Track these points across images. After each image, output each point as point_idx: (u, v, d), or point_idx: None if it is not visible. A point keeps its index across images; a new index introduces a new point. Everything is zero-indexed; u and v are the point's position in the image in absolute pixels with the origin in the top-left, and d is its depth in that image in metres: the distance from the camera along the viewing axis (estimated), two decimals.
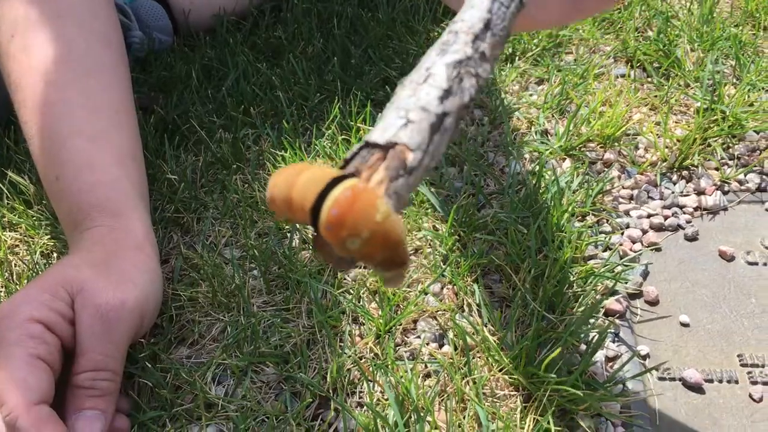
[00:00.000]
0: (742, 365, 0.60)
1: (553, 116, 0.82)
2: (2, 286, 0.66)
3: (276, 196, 0.25)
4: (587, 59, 0.89)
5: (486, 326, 0.60)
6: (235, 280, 0.63)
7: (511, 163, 0.75)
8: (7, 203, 0.72)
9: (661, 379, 0.59)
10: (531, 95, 0.85)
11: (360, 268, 0.23)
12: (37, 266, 0.66)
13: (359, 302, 0.62)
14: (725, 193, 0.75)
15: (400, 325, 0.60)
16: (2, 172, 0.74)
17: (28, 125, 0.63)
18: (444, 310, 0.61)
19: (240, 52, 0.90)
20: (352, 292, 0.63)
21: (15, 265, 0.67)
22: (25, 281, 0.66)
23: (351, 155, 0.26)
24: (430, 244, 0.67)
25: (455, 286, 0.63)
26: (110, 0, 0.70)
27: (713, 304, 0.65)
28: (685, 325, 0.63)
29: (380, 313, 0.60)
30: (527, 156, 0.77)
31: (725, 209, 0.74)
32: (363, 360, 0.57)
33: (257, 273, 0.65)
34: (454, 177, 0.74)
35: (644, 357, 0.61)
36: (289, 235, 0.68)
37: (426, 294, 0.63)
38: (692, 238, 0.71)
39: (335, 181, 0.24)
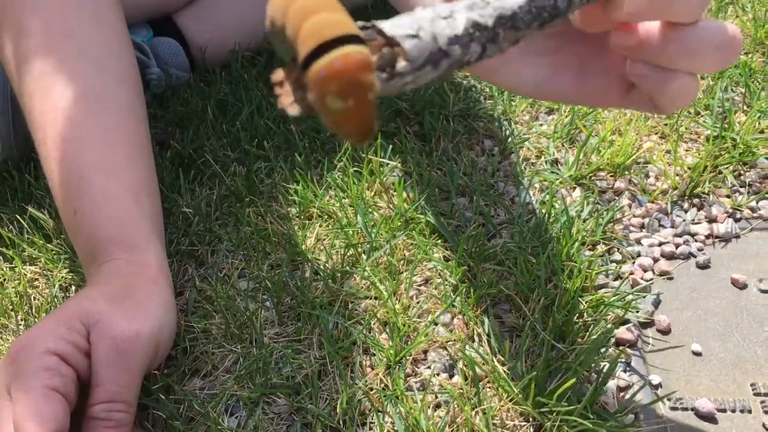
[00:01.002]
0: (755, 394, 0.59)
1: (563, 145, 0.83)
2: (22, 319, 0.67)
3: (290, 16, 0.25)
4: None
5: (496, 356, 0.60)
6: (247, 312, 0.64)
7: (521, 193, 0.75)
8: (27, 238, 0.73)
9: (673, 408, 0.59)
10: (541, 125, 0.86)
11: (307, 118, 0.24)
12: (56, 299, 0.68)
13: (370, 333, 0.62)
14: (737, 220, 0.75)
15: (410, 355, 0.61)
16: (23, 207, 0.76)
17: (48, 161, 0.65)
18: (454, 340, 0.62)
19: (254, 87, 0.92)
20: (362, 322, 0.63)
21: (34, 298, 0.69)
22: (44, 314, 0.67)
23: (360, 26, 0.26)
24: (440, 275, 0.67)
25: (465, 317, 0.63)
26: (127, 39, 0.72)
27: (726, 332, 0.64)
28: (697, 354, 0.63)
29: (390, 343, 0.60)
30: (537, 185, 0.77)
31: (737, 237, 0.74)
32: (373, 391, 0.58)
33: (270, 304, 0.66)
34: (465, 207, 0.75)
35: (656, 386, 0.60)
36: (300, 266, 0.69)
37: (436, 324, 0.63)
38: (704, 266, 0.71)
39: (349, 37, 0.24)
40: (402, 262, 0.68)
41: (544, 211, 0.71)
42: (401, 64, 0.27)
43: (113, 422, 0.52)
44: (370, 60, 0.24)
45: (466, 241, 0.68)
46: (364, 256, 0.69)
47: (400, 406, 0.56)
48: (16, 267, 0.71)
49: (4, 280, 0.71)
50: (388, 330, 0.62)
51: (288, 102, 0.27)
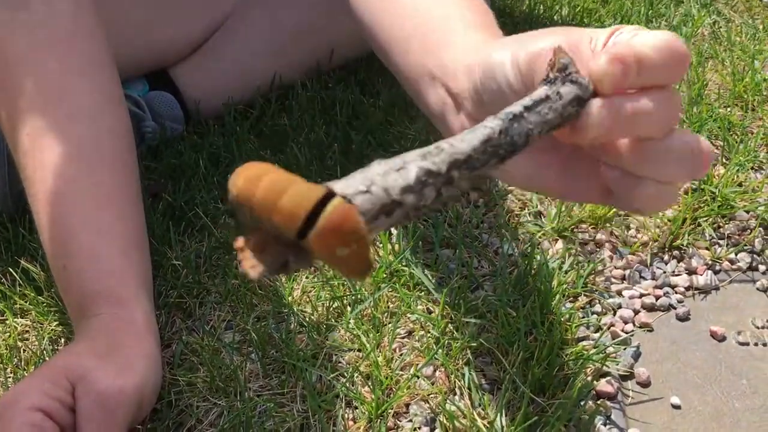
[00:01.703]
0: None
1: (546, 198, 0.84)
2: (12, 372, 0.68)
3: (259, 194, 0.27)
4: None
5: (476, 410, 0.61)
6: (232, 366, 0.64)
7: (504, 245, 0.77)
8: (19, 290, 0.75)
9: None
10: None
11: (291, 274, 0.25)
12: (45, 352, 0.69)
13: (352, 386, 0.63)
14: (716, 272, 0.76)
15: (392, 408, 0.61)
16: (16, 260, 0.78)
17: (39, 216, 0.67)
18: (435, 393, 0.63)
19: (246, 140, 0.94)
20: (345, 375, 0.64)
21: (24, 351, 0.70)
22: (33, 367, 0.68)
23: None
24: (422, 327, 0.68)
25: (446, 369, 0.64)
26: (120, 97, 0.74)
27: (704, 385, 0.65)
28: (676, 407, 0.64)
29: (372, 396, 0.61)
30: (521, 237, 0.79)
31: (716, 288, 0.75)
32: None
33: (255, 357, 0.67)
34: (449, 259, 0.76)
35: None
36: (286, 318, 0.70)
37: (418, 377, 0.64)
38: (684, 318, 0.72)
39: (324, 196, 0.26)
40: (386, 314, 0.70)
41: (525, 263, 0.72)
42: None
43: None
44: (350, 206, 0.26)
45: (449, 294, 0.69)
46: (348, 308, 0.70)
47: None
48: (6, 319, 0.72)
49: None
50: (370, 383, 0.63)
51: (249, 265, 0.29)
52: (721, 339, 0.69)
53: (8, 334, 0.71)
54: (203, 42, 1.04)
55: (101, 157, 0.68)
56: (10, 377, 0.67)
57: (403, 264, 0.74)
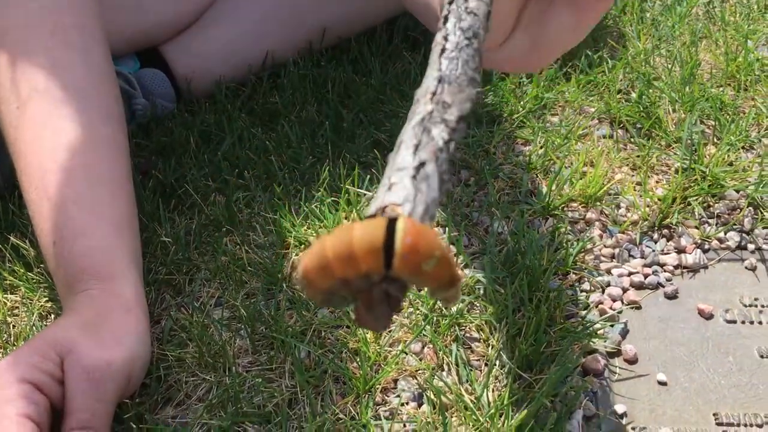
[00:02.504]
0: (717, 424, 0.60)
1: (537, 176, 0.84)
2: (1, 347, 0.68)
3: (332, 254, 0.26)
4: (571, 121, 0.92)
5: (463, 385, 0.61)
6: (220, 341, 0.65)
7: (494, 223, 0.77)
8: (8, 266, 0.75)
9: None
10: (517, 156, 0.88)
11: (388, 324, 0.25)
12: (35, 327, 0.69)
13: (341, 361, 0.63)
14: (705, 251, 0.76)
15: (380, 384, 0.62)
16: (5, 236, 0.78)
17: (28, 192, 0.67)
18: (423, 369, 0.63)
19: (237, 118, 0.93)
20: (334, 351, 0.64)
21: (13, 326, 0.70)
22: (22, 342, 0.68)
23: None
24: (411, 304, 0.68)
25: (435, 346, 0.65)
26: (112, 75, 0.74)
27: (691, 362, 0.66)
28: (662, 383, 0.64)
29: (360, 372, 0.62)
30: (510, 216, 0.79)
31: (705, 267, 0.75)
32: (341, 420, 0.59)
33: (244, 333, 0.67)
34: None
35: (621, 416, 0.62)
36: (275, 295, 0.70)
37: (406, 353, 0.64)
38: (672, 296, 0.72)
39: (386, 222, 0.26)
40: None
41: (513, 242, 0.72)
42: (400, 211, 0.28)
43: None
44: (414, 220, 0.26)
45: None
46: None
47: None
48: None
49: None
50: (358, 359, 0.63)
51: (374, 326, 0.29)
52: (709, 317, 0.70)
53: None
54: (195, 20, 1.04)
55: (94, 135, 0.68)
56: (0, 352, 0.68)
57: None
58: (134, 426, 0.58)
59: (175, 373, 0.64)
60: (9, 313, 0.71)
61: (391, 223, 0.26)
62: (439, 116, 0.30)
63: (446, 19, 0.34)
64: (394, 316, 0.28)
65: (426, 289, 0.28)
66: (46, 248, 0.65)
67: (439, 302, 0.27)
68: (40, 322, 0.70)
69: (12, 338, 0.69)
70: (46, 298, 0.72)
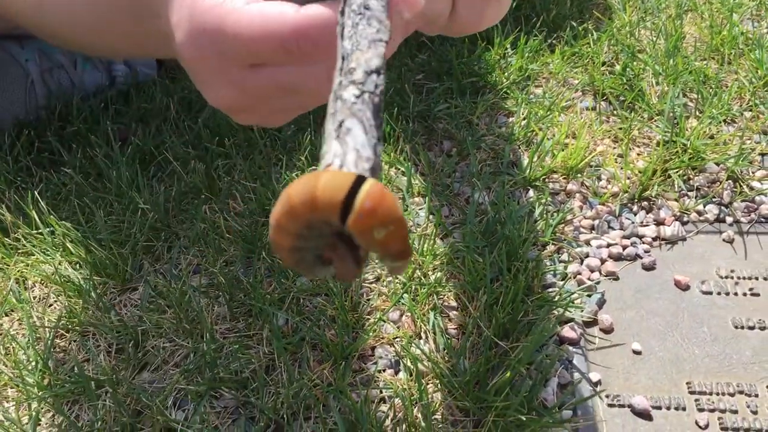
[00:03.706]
0: (690, 392, 0.61)
1: (519, 148, 0.84)
2: None
3: (297, 200, 0.27)
4: (555, 92, 0.92)
5: (439, 353, 0.62)
6: (198, 308, 0.65)
7: (476, 194, 0.77)
8: None
9: (610, 405, 0.60)
10: (500, 127, 0.88)
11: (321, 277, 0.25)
12: (12, 293, 0.69)
13: (319, 329, 0.64)
14: (684, 223, 0.77)
15: (357, 352, 0.62)
16: None
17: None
18: (400, 337, 0.63)
19: None
20: (312, 319, 0.64)
21: None
22: None
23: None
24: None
25: (413, 314, 0.65)
26: None
27: (666, 332, 0.66)
28: (637, 352, 0.65)
29: (338, 339, 0.62)
30: (492, 187, 0.79)
31: (683, 239, 0.76)
32: (317, 387, 0.59)
33: (222, 300, 0.67)
34: (420, 206, 0.76)
35: (596, 384, 0.62)
36: (254, 263, 0.70)
37: (384, 321, 0.64)
38: (649, 268, 0.73)
39: (359, 178, 0.27)
40: None
41: (494, 212, 0.72)
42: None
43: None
44: (382, 186, 0.27)
45: (417, 241, 0.70)
46: None
47: (342, 401, 0.57)
48: None
49: None
50: (336, 326, 0.63)
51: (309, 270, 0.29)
52: (685, 288, 0.70)
53: None
54: None
55: None
56: None
57: None
58: (110, 390, 0.58)
59: (153, 339, 0.64)
60: None
61: (359, 181, 0.27)
62: (347, 81, 0.31)
63: (342, 10, 0.34)
64: (362, 271, 0.28)
65: (375, 253, 0.28)
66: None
67: (387, 271, 0.28)
68: (16, 287, 0.69)
69: None
70: (23, 263, 0.71)
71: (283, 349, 0.62)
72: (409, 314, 0.65)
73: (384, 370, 0.62)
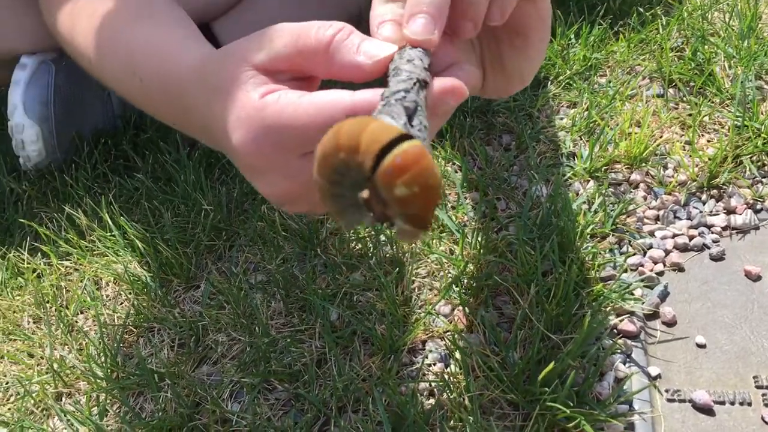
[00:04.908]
0: (757, 387, 0.58)
1: (581, 138, 0.82)
2: (56, 310, 0.72)
3: (344, 137, 0.28)
4: (620, 81, 0.89)
5: (490, 346, 0.61)
6: (254, 303, 0.67)
7: (533, 187, 0.76)
8: (64, 235, 0.79)
9: (669, 400, 0.58)
10: (561, 119, 0.86)
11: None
12: (86, 291, 0.73)
13: (369, 323, 0.64)
14: (757, 211, 0.73)
15: (407, 345, 0.62)
16: (61, 207, 0.82)
17: (87, 50, 0.63)
18: (451, 331, 0.63)
19: None
20: (364, 313, 0.65)
21: (67, 290, 0.74)
22: (74, 305, 0.72)
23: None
24: (443, 267, 0.68)
25: (464, 308, 0.64)
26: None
27: (734, 324, 0.63)
28: (701, 346, 0.62)
29: (387, 334, 0.62)
30: (551, 179, 0.77)
31: (756, 228, 0.72)
32: (366, 381, 0.60)
33: (279, 296, 0.68)
34: (476, 201, 0.76)
35: (655, 378, 0.60)
36: (310, 260, 0.71)
37: (435, 315, 0.64)
38: (718, 258, 0.69)
39: (402, 137, 0.28)
40: (407, 255, 0.70)
41: (548, 204, 0.71)
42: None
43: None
44: (423, 149, 0.27)
45: (471, 234, 0.69)
46: (371, 248, 0.71)
47: (387, 396, 0.57)
48: (52, 262, 0.77)
49: (41, 274, 0.76)
50: (387, 321, 0.64)
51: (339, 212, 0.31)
52: (756, 279, 0.67)
53: (53, 275, 0.75)
54: None
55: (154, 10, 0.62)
56: (53, 316, 0.72)
57: None
58: (171, 382, 0.60)
59: (212, 334, 0.66)
60: (63, 278, 0.75)
61: (403, 138, 0.27)
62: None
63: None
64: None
65: (394, 214, 0.28)
66: (135, 89, 0.58)
67: (394, 233, 0.29)
68: (91, 286, 0.74)
69: (65, 302, 0.73)
70: (98, 264, 0.75)
71: (334, 342, 0.63)
72: (460, 308, 0.65)
73: (434, 364, 0.61)
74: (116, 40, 0.60)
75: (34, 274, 0.76)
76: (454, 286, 0.66)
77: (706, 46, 0.89)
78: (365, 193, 0.29)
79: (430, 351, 0.62)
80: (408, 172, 0.27)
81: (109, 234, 0.77)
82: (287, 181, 0.40)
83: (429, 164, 0.27)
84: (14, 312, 0.73)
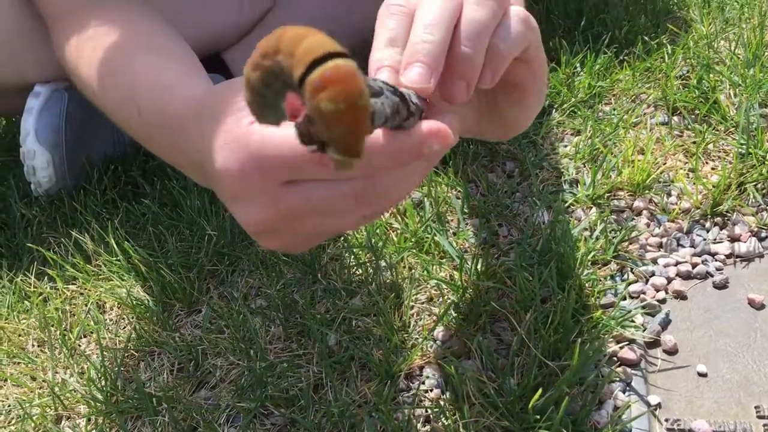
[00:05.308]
0: (759, 417, 0.57)
1: (584, 166, 0.82)
2: (60, 334, 0.73)
3: (284, 43, 0.28)
4: (624, 108, 0.89)
5: (487, 372, 0.60)
6: (253, 328, 0.67)
7: (534, 213, 0.76)
8: (70, 259, 0.80)
9: (669, 430, 0.57)
10: (565, 146, 0.86)
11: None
12: (90, 315, 0.74)
13: (368, 348, 0.64)
14: (761, 239, 0.72)
15: (403, 371, 0.62)
16: (68, 232, 0.83)
17: (90, 80, 0.64)
18: (449, 356, 0.63)
19: None
20: (362, 338, 0.65)
21: (72, 314, 0.75)
22: (78, 329, 0.73)
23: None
24: (442, 293, 0.68)
25: (462, 334, 0.64)
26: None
27: (736, 353, 0.62)
28: (702, 375, 0.61)
29: (383, 359, 0.62)
30: (553, 206, 0.77)
31: (761, 256, 0.71)
32: (361, 407, 0.59)
33: (278, 321, 0.69)
34: (477, 228, 0.76)
35: (655, 407, 0.59)
36: (310, 285, 0.71)
37: (433, 341, 0.64)
38: (721, 286, 0.68)
39: (339, 54, 0.27)
40: (407, 280, 0.70)
41: (548, 230, 0.71)
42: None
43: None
44: (356, 69, 0.27)
45: (470, 260, 0.69)
46: (371, 273, 0.71)
47: (383, 421, 0.57)
48: (57, 286, 0.78)
49: (47, 298, 0.77)
50: (384, 346, 0.64)
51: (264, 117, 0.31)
52: (760, 307, 0.66)
53: (58, 298, 0.76)
54: (253, 27, 1.08)
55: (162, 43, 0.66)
56: (57, 339, 0.72)
57: (429, 232, 0.74)
58: (167, 406, 0.60)
59: (211, 358, 0.67)
60: (68, 302, 0.76)
61: (339, 58, 0.27)
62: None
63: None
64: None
65: (322, 135, 0.28)
66: (132, 123, 0.59)
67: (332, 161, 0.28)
68: (95, 310, 0.74)
69: (69, 326, 0.74)
70: (102, 288, 0.76)
71: (332, 368, 0.62)
72: (458, 334, 0.65)
73: (431, 390, 0.61)
74: (119, 71, 0.62)
75: (40, 298, 0.77)
76: (452, 312, 0.66)
77: (711, 75, 0.89)
78: (299, 118, 0.29)
79: (427, 377, 0.62)
80: (335, 87, 0.26)
81: (114, 258, 0.78)
82: (266, 209, 0.40)
83: (358, 84, 0.27)
84: (19, 335, 0.74)
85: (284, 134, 0.39)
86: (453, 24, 0.41)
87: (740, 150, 0.78)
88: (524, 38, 0.43)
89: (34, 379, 0.69)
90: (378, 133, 0.37)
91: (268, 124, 0.31)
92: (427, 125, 0.37)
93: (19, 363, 0.71)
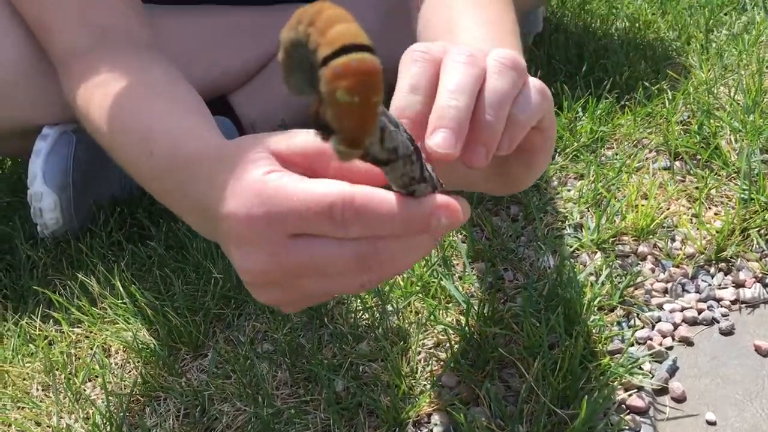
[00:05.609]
0: None
1: (588, 210, 0.83)
2: (65, 379, 0.73)
3: (322, 19, 0.28)
4: (627, 153, 0.90)
5: (495, 420, 0.60)
6: (260, 373, 0.67)
7: (540, 258, 0.76)
8: (76, 302, 0.80)
9: None
10: (569, 190, 0.87)
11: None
12: (95, 359, 0.73)
13: (376, 394, 0.64)
14: (766, 285, 0.73)
15: (411, 418, 0.62)
16: (74, 274, 0.83)
17: (100, 123, 0.65)
18: (456, 403, 0.62)
19: None
20: (369, 384, 0.65)
21: (77, 357, 0.75)
22: (83, 373, 0.72)
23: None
24: (449, 337, 0.68)
25: (470, 380, 0.64)
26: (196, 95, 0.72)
27: (744, 401, 0.62)
28: (711, 423, 0.61)
29: (391, 406, 0.62)
30: (558, 250, 0.78)
31: (765, 302, 0.71)
32: None
33: (285, 366, 0.68)
34: (483, 272, 0.76)
35: None
36: (317, 330, 0.71)
37: (441, 387, 0.64)
38: (727, 332, 0.69)
39: (367, 49, 0.28)
40: (414, 325, 0.70)
41: (554, 275, 0.71)
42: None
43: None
44: (380, 69, 0.28)
45: (478, 306, 0.69)
46: (378, 317, 0.71)
47: None
48: (62, 329, 0.78)
49: (52, 341, 0.77)
50: (392, 392, 0.63)
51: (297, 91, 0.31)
52: (766, 354, 0.66)
53: (63, 342, 0.76)
54: (258, 70, 1.09)
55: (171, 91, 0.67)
56: (62, 383, 0.72)
57: (435, 276, 0.74)
58: None
59: (218, 404, 0.66)
60: (73, 345, 0.76)
61: (367, 52, 0.27)
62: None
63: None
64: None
65: (329, 120, 0.28)
66: (143, 165, 0.59)
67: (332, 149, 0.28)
68: (100, 354, 0.74)
69: (74, 369, 0.73)
70: (108, 332, 0.76)
71: (339, 414, 0.62)
72: (465, 380, 0.65)
73: None
74: (132, 116, 0.63)
75: (45, 341, 0.77)
76: (459, 358, 0.66)
77: (711, 120, 0.91)
78: (314, 103, 0.29)
79: (435, 424, 0.62)
80: (356, 78, 0.26)
81: (120, 301, 0.78)
82: (267, 259, 0.40)
83: (378, 82, 0.27)
84: (24, 379, 0.74)
85: (297, 185, 0.39)
86: (477, 91, 0.42)
87: (743, 195, 0.79)
88: (541, 108, 0.45)
89: (38, 424, 0.69)
90: (391, 197, 0.37)
91: (291, 89, 0.31)
92: (441, 198, 0.38)
93: (23, 408, 0.71)
